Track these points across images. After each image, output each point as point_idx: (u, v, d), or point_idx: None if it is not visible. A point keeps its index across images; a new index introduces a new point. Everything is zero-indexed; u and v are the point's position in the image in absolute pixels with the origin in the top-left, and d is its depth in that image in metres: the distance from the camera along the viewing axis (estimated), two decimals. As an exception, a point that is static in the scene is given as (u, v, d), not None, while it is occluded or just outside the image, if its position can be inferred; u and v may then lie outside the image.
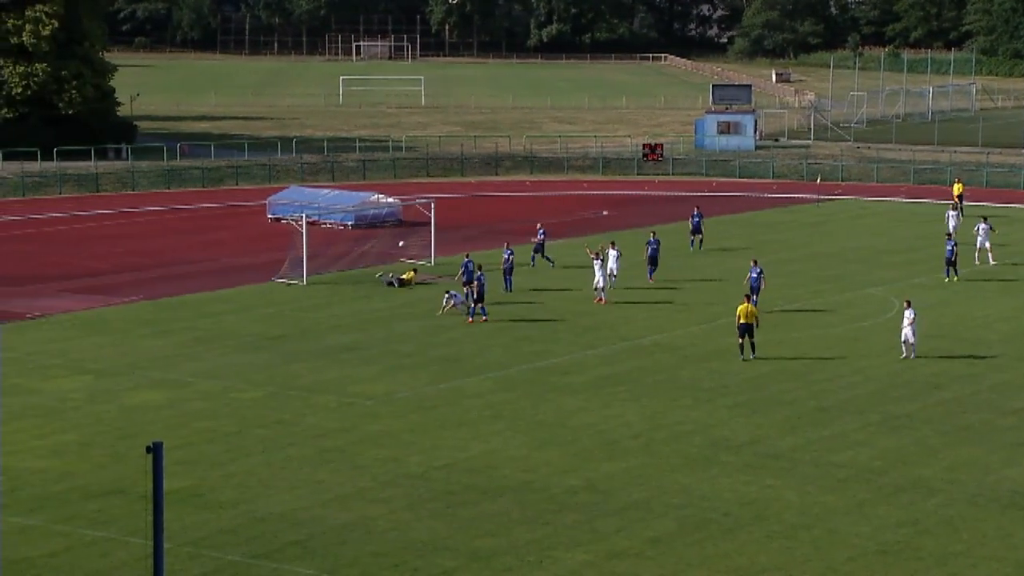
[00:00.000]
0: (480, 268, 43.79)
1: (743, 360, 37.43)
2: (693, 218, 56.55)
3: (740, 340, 37.82)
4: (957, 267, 49.80)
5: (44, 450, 30.21)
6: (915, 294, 47.94)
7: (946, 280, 49.43)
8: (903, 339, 38.10)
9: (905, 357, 37.81)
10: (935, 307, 45.82)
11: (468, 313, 42.67)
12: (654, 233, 50.55)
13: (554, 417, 32.89)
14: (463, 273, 45.27)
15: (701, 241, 55.96)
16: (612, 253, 46.56)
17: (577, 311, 44.41)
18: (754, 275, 43.61)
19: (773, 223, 64.79)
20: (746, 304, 38.03)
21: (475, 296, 42.75)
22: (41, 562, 24.27)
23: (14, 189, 74.80)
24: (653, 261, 49.10)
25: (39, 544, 24.99)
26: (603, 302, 44.52)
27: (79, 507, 26.73)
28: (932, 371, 37.39)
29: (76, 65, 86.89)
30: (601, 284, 44.86)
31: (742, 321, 37.69)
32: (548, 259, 52.44)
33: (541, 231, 53.16)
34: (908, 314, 37.90)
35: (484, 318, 42.42)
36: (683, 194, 76.35)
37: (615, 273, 46.46)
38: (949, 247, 49.73)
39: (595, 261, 45.11)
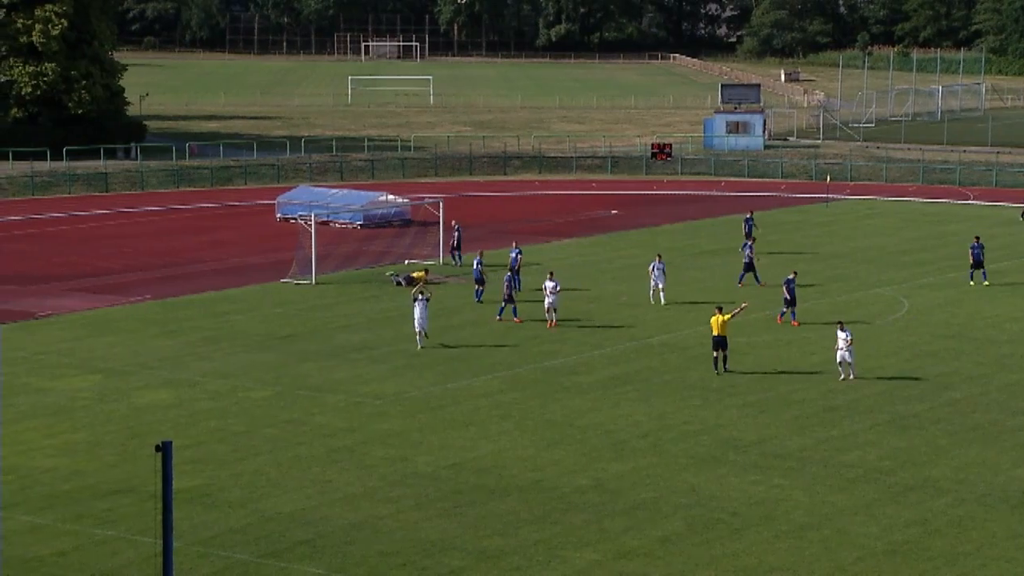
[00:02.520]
0: (514, 270, 43.48)
1: (717, 374, 36.15)
2: (746, 223, 55.24)
3: (715, 353, 36.46)
4: (974, 270, 48.98)
5: (53, 449, 30.27)
6: (924, 294, 47.91)
7: (971, 284, 48.76)
8: (839, 361, 35.70)
9: (844, 379, 35.61)
10: (945, 307, 45.75)
11: (500, 314, 42.09)
12: (750, 242, 49.45)
13: (562, 417, 32.89)
14: (475, 271, 45.47)
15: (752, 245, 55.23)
16: (658, 265, 45.12)
17: (585, 310, 44.38)
18: (791, 285, 42.24)
19: (782, 223, 64.66)
20: (718, 315, 36.42)
21: (506, 296, 42.41)
22: (51, 560, 24.32)
23: (24, 188, 75.00)
24: (749, 267, 48.31)
25: (49, 543, 25.04)
26: (553, 325, 41.43)
27: (88, 506, 26.78)
28: (941, 371, 37.32)
29: (85, 65, 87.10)
30: (551, 304, 41.50)
31: (715, 333, 36.29)
32: (459, 256, 52.40)
33: (457, 228, 53.15)
34: (842, 335, 35.53)
35: (514, 318, 42.23)
36: (692, 193, 76.34)
37: (662, 286, 44.84)
38: (976, 249, 48.87)
39: (548, 282, 41.66)
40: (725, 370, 36.28)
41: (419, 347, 38.71)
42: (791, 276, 42.90)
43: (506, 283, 43.07)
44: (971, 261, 49.11)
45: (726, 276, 50.67)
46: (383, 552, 24.68)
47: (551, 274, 42.44)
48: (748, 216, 56.46)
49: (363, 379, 36.11)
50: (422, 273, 49.12)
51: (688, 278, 49.91)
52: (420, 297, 39.09)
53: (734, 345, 38.45)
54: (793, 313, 42.39)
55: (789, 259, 53.86)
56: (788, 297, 42.26)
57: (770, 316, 43.63)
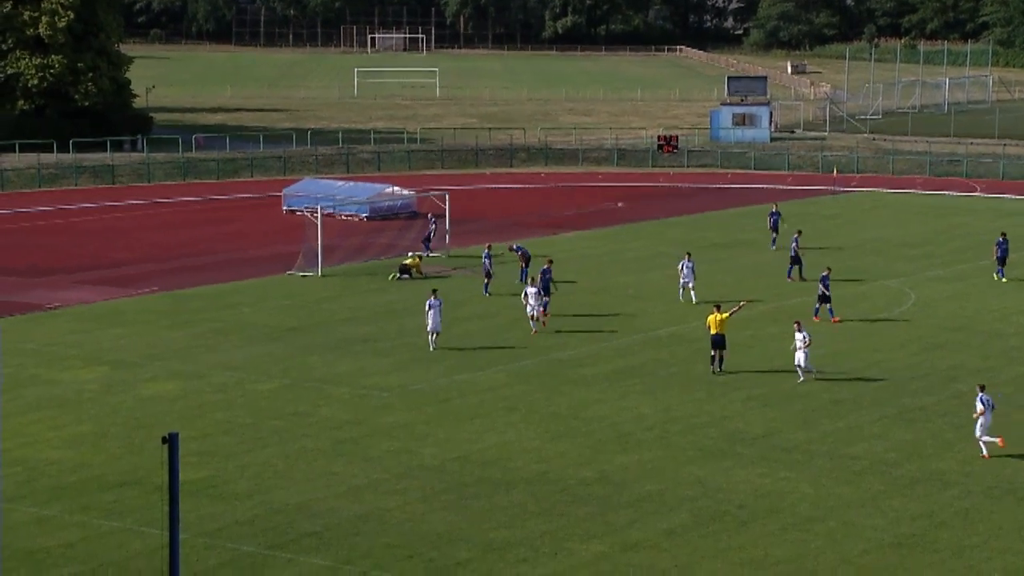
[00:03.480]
0: (550, 263, 42.70)
1: (713, 374, 35.47)
2: (771, 216, 54.77)
3: (712, 352, 35.65)
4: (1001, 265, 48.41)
5: (60, 441, 30.33)
6: (931, 287, 47.83)
7: (995, 278, 48.06)
8: (796, 363, 34.74)
9: (803, 382, 34.64)
10: (952, 300, 45.68)
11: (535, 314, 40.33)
12: (796, 235, 48.81)
13: (568, 409, 32.88)
14: (484, 264, 45.46)
15: (775, 240, 53.96)
16: (687, 264, 44.08)
17: (592, 303, 44.34)
18: (825, 281, 41.45)
19: (788, 215, 64.45)
20: (715, 314, 35.79)
21: (541, 291, 41.48)
22: (58, 552, 24.37)
23: (30, 181, 75.06)
24: (796, 260, 47.81)
25: (55, 534, 25.10)
26: (535, 332, 39.84)
27: (95, 498, 26.83)
28: (948, 364, 37.26)
29: (92, 57, 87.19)
30: (536, 313, 39.93)
31: (713, 332, 35.65)
32: (428, 248, 52.32)
33: (433, 221, 53.31)
34: (800, 336, 34.66)
35: (546, 314, 41.22)
36: (699, 186, 76.23)
37: (692, 285, 43.90)
38: (1002, 245, 48.05)
39: (530, 288, 40.22)
40: (720, 371, 35.66)
41: (431, 349, 37.96)
42: (825, 272, 42.05)
43: (541, 278, 42.25)
44: (996, 256, 48.32)
45: (733, 269, 50.59)
46: (389, 544, 24.70)
47: (532, 280, 41.28)
48: (773, 210, 55.73)
49: (369, 371, 36.12)
50: (416, 259, 49.05)
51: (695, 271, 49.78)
52: (434, 299, 38.18)
53: (742, 339, 38.40)
54: (831, 310, 41.53)
55: (775, 250, 53.77)
56: (823, 293, 41.52)
57: (775, 308, 43.59)
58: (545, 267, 42.61)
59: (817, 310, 41.88)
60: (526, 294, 40.45)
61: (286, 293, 46.32)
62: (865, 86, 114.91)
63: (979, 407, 29.44)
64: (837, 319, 41.63)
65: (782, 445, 30.24)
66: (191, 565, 23.47)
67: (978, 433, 29.48)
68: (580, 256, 53.24)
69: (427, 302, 38.33)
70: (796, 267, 48.01)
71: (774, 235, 54.48)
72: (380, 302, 44.90)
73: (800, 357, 34.90)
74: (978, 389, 29.96)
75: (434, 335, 38.12)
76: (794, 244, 48.49)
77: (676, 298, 44.82)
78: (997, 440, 29.34)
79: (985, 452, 29.32)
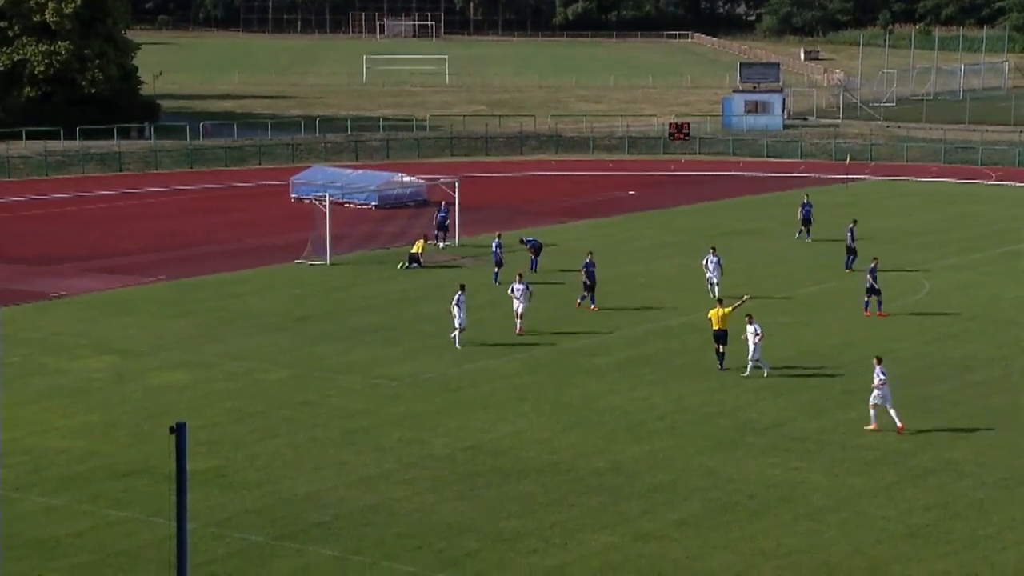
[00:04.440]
0: (591, 254, 42.10)
1: (721, 371, 34.55)
2: (803, 207, 53.83)
3: (716, 347, 34.97)
4: None
5: (69, 430, 30.24)
6: (945, 275, 47.54)
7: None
8: (749, 356, 34.02)
9: (747, 376, 33.93)
10: (966, 289, 45.40)
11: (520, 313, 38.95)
12: (851, 225, 48.02)
13: (580, 399, 32.71)
14: (495, 253, 45.26)
15: (809, 231, 53.19)
16: (712, 259, 43.24)
17: (603, 292, 44.12)
18: (873, 273, 40.54)
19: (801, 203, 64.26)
20: (718, 308, 35.09)
21: (587, 284, 41.43)
22: (67, 541, 24.28)
23: (37, 168, 75.01)
24: (851, 250, 47.15)
25: (64, 523, 25.02)
26: (521, 332, 38.48)
27: (104, 487, 26.74)
28: (962, 353, 37.00)
29: (99, 44, 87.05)
30: (520, 310, 38.46)
31: (716, 327, 34.85)
32: (442, 237, 52.01)
33: (444, 208, 53.04)
34: (751, 329, 33.96)
35: (593, 306, 41.18)
36: (710, 173, 75.89)
37: (716, 281, 42.87)
38: None
39: (516, 284, 38.70)
40: (723, 367, 34.73)
41: (457, 346, 36.89)
42: (872, 264, 41.33)
43: (584, 270, 41.87)
44: None
45: (745, 256, 50.31)
46: (399, 534, 24.56)
47: (520, 276, 40.09)
48: (805, 200, 54.62)
49: (379, 361, 35.97)
50: (420, 242, 48.82)
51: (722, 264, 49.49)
52: (461, 294, 37.26)
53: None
54: (879, 303, 40.71)
55: (808, 240, 53.51)
56: (871, 285, 40.72)
57: (786, 299, 43.32)
58: (588, 260, 42.04)
59: (867, 304, 40.93)
60: (512, 290, 38.91)
61: (295, 282, 46.17)
62: (879, 73, 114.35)
63: (877, 379, 29.96)
64: (883, 313, 40.74)
65: (794, 435, 30.04)
66: (200, 555, 23.34)
67: (872, 400, 30.05)
68: (590, 245, 52.96)
69: (456, 296, 37.06)
70: (852, 257, 47.24)
71: (807, 227, 53.24)
72: (390, 290, 44.74)
73: (751, 350, 34.15)
74: (875, 361, 30.34)
75: (460, 330, 37.12)
76: (849, 234, 47.72)
77: (686, 287, 44.59)
78: (899, 425, 29.85)
79: (873, 423, 30.01)
